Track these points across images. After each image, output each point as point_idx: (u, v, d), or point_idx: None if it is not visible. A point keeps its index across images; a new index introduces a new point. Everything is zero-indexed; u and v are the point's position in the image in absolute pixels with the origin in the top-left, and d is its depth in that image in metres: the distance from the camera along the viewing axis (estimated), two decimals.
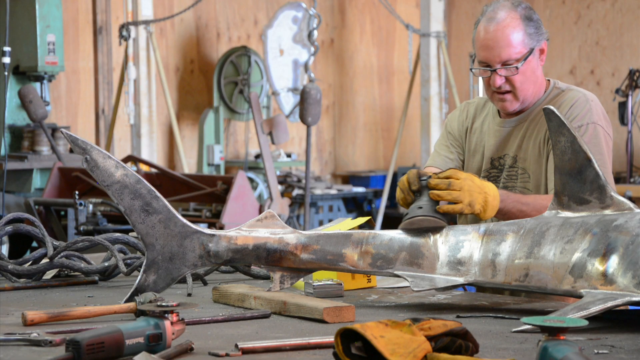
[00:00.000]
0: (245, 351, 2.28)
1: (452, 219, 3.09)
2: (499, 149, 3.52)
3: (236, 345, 2.29)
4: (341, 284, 3.09)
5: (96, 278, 3.37)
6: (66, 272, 3.40)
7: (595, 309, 2.54)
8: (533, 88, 3.48)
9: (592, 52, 12.15)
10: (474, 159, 3.60)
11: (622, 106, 10.25)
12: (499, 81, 3.42)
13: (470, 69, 3.59)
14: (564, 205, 2.85)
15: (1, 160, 8.08)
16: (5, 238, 3.55)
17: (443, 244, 2.92)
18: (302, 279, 3.05)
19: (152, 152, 10.31)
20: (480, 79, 3.51)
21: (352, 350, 2.08)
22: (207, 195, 7.79)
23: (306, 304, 2.73)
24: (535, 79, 3.49)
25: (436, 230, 2.96)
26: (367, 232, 2.98)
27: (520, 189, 3.42)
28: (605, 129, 3.42)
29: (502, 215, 3.14)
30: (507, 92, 3.44)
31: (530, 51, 3.44)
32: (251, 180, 10.58)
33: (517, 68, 3.39)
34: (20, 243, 6.79)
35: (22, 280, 3.31)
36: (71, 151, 8.57)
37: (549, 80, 3.58)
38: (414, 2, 13.05)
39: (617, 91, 10.22)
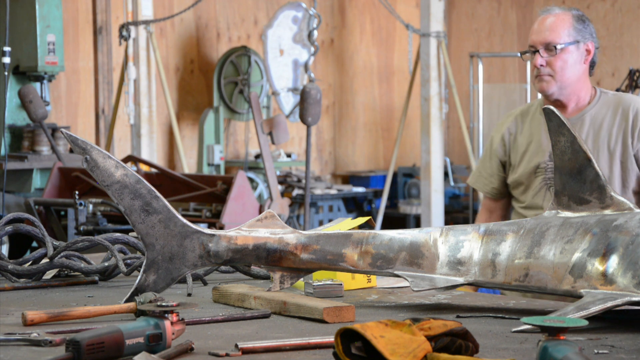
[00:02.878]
0: (245, 351, 2.28)
1: None
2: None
3: (236, 345, 2.29)
4: (341, 284, 3.09)
5: (96, 278, 3.37)
6: (66, 272, 3.39)
7: (595, 309, 2.54)
8: (573, 79, 3.80)
9: None
10: (526, 157, 3.85)
11: None
12: (539, 61, 3.73)
13: (521, 53, 3.91)
14: (564, 205, 2.86)
15: (1, 160, 8.08)
16: (5, 238, 3.55)
17: (443, 244, 2.92)
18: (302, 279, 3.05)
19: (152, 152, 10.31)
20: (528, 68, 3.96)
21: (352, 350, 2.08)
22: (207, 195, 7.79)
23: (306, 304, 2.73)
24: (576, 72, 3.81)
25: None
26: (367, 232, 2.98)
27: None
28: None
29: None
30: (547, 74, 3.74)
31: (574, 42, 3.76)
32: (251, 180, 10.58)
33: (556, 49, 3.70)
34: (20, 243, 6.79)
35: (22, 280, 3.31)
36: (71, 151, 8.57)
37: (594, 87, 3.94)
38: (414, 2, 13.05)
39: (617, 91, 10.22)
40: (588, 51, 3.85)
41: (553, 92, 3.77)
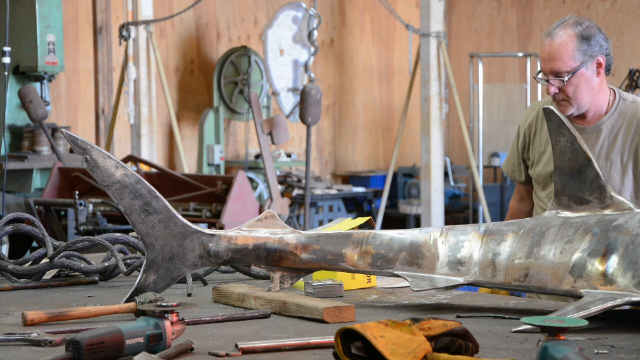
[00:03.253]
0: (245, 351, 2.28)
1: None
2: None
3: (236, 345, 2.30)
4: (341, 284, 3.09)
5: (96, 278, 3.37)
6: (66, 272, 3.39)
7: (595, 309, 2.54)
8: (589, 97, 3.82)
9: None
10: (544, 159, 3.95)
11: None
12: (552, 90, 3.79)
13: (534, 77, 3.96)
14: (564, 205, 2.86)
15: (1, 160, 8.08)
16: (5, 238, 3.55)
17: (443, 244, 2.92)
18: (302, 279, 3.05)
19: (152, 152, 10.31)
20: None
21: (352, 350, 2.08)
22: (207, 195, 7.79)
23: (306, 304, 2.73)
24: (591, 89, 3.83)
25: None
26: (367, 232, 2.98)
27: None
28: None
29: None
30: (563, 100, 3.80)
31: (582, 66, 3.79)
32: (251, 180, 10.58)
33: (564, 81, 3.75)
34: (20, 243, 6.79)
35: (22, 280, 3.31)
36: (71, 151, 8.57)
37: (613, 89, 3.92)
38: (414, 2, 13.05)
39: None
40: (599, 64, 3.85)
41: (572, 112, 3.83)
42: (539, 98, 12.23)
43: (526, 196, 4.19)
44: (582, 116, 3.89)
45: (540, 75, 3.88)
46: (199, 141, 11.03)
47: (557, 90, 3.79)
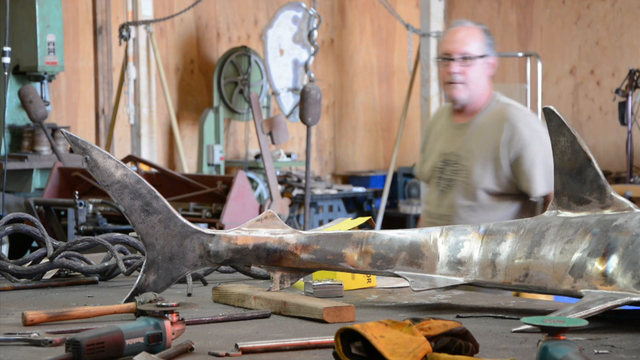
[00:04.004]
0: (245, 351, 2.28)
1: None
2: (448, 146, 4.22)
3: (236, 345, 2.30)
4: (341, 284, 3.09)
5: (96, 278, 3.37)
6: (66, 272, 3.39)
7: (595, 309, 2.54)
8: (481, 88, 4.20)
9: (592, 52, 12.15)
10: (432, 155, 4.27)
11: (622, 106, 10.25)
12: (456, 68, 4.11)
13: (437, 59, 4.37)
14: (564, 205, 2.86)
15: (1, 160, 8.08)
16: (5, 238, 3.55)
17: (443, 244, 2.92)
18: (302, 279, 3.05)
19: (152, 152, 10.31)
20: (440, 76, 4.43)
21: (352, 350, 2.08)
22: (207, 195, 7.79)
23: (306, 304, 2.73)
24: (483, 82, 4.20)
25: None
26: (367, 232, 2.98)
27: (461, 183, 4.15)
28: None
29: None
30: (461, 82, 4.13)
31: (484, 55, 4.17)
32: (251, 180, 10.58)
33: (471, 59, 4.09)
34: (20, 243, 6.79)
35: (22, 280, 3.31)
36: (71, 151, 8.57)
37: (493, 92, 4.28)
38: (414, 2, 13.05)
39: (617, 91, 10.22)
40: (492, 65, 4.22)
41: (464, 98, 4.15)
42: (539, 98, 12.24)
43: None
44: (462, 112, 4.21)
45: (439, 58, 4.20)
46: (199, 141, 11.03)
47: (459, 71, 4.09)
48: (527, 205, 4.24)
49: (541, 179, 4.23)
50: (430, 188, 4.34)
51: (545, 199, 4.27)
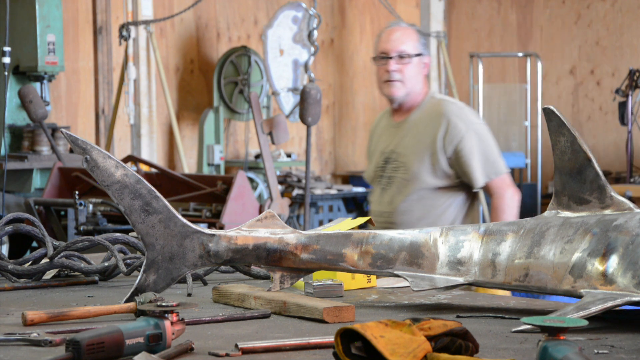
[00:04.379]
0: (245, 351, 2.28)
1: None
2: (388, 145, 4.38)
3: (236, 345, 2.30)
4: (341, 284, 3.09)
5: (96, 278, 3.37)
6: (66, 272, 3.39)
7: (595, 309, 2.54)
8: (417, 86, 4.35)
9: (592, 52, 12.15)
10: (374, 156, 4.42)
11: (622, 106, 10.26)
12: (393, 66, 4.27)
13: (374, 58, 4.40)
14: (564, 205, 2.86)
15: (1, 160, 8.08)
16: (5, 238, 3.55)
17: (443, 243, 2.92)
18: (302, 279, 3.05)
19: (152, 152, 10.31)
20: (376, 76, 4.44)
21: (352, 350, 2.08)
22: (207, 195, 7.79)
23: (306, 304, 2.73)
24: (419, 80, 4.35)
25: None
26: (367, 232, 2.98)
27: (400, 179, 4.31)
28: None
29: None
30: (398, 80, 4.27)
31: (420, 54, 4.32)
32: (251, 180, 10.58)
33: (408, 57, 4.25)
34: (20, 243, 6.79)
35: (22, 280, 3.31)
36: (71, 151, 8.57)
37: (428, 90, 4.46)
38: (414, 2, 13.05)
39: (617, 91, 10.23)
40: (427, 64, 4.38)
41: (401, 96, 4.31)
42: (539, 98, 12.23)
43: None
44: (399, 111, 4.38)
45: (377, 57, 4.33)
46: (199, 141, 11.03)
47: (396, 69, 4.25)
48: (468, 198, 4.37)
49: (480, 170, 4.35)
50: (374, 187, 4.48)
51: (488, 190, 4.39)
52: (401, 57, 4.28)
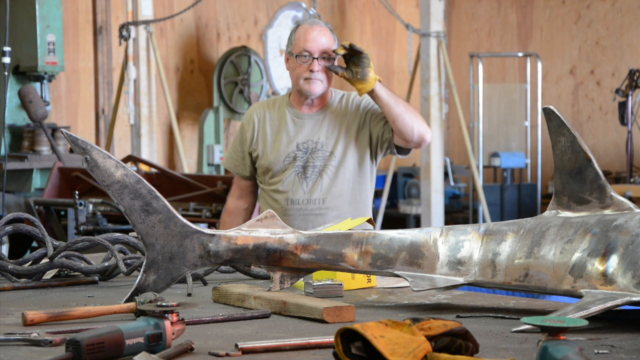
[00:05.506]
0: (245, 351, 2.28)
1: None
2: (303, 135, 4.57)
3: (236, 345, 2.30)
4: (341, 284, 3.09)
5: (96, 278, 3.37)
6: (66, 272, 3.40)
7: (595, 309, 2.54)
8: (330, 82, 4.59)
9: (592, 52, 12.15)
10: (277, 146, 4.58)
11: (622, 106, 10.26)
12: (318, 66, 4.47)
13: (296, 55, 4.56)
14: (564, 205, 2.86)
15: (1, 160, 8.08)
16: (5, 238, 3.55)
17: (443, 244, 2.92)
18: (302, 279, 3.05)
19: (152, 152, 10.31)
20: (291, 70, 4.63)
21: (352, 350, 2.08)
22: (207, 195, 7.79)
23: (306, 304, 2.73)
24: (332, 76, 4.57)
25: None
26: (367, 232, 2.98)
27: (331, 167, 4.54)
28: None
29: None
30: (319, 79, 4.51)
31: (337, 55, 4.50)
32: None
33: (334, 58, 4.48)
34: (20, 243, 6.79)
35: (22, 280, 3.31)
36: (71, 151, 8.57)
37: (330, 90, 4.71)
38: (414, 2, 13.05)
39: (617, 91, 10.23)
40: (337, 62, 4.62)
41: (319, 93, 4.53)
42: (539, 98, 12.23)
43: (245, 193, 4.85)
44: (310, 103, 4.58)
45: (299, 55, 4.50)
46: (199, 141, 11.03)
47: (319, 69, 4.48)
48: (374, 171, 4.72)
49: None
50: (285, 177, 4.61)
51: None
52: (324, 58, 4.51)
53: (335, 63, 4.55)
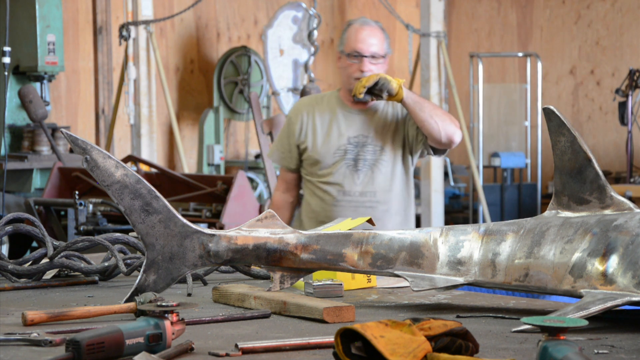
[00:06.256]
0: (245, 351, 2.28)
1: None
2: (354, 130, 4.69)
3: (236, 345, 2.30)
4: (341, 284, 3.09)
5: (96, 278, 3.37)
6: (66, 272, 3.39)
7: (595, 309, 2.54)
8: None
9: (592, 52, 12.15)
10: (328, 139, 4.68)
11: (622, 106, 10.26)
12: (368, 66, 4.57)
13: (342, 52, 4.68)
14: (564, 205, 2.86)
15: (1, 160, 8.08)
16: (5, 238, 3.55)
17: (443, 243, 2.92)
18: (302, 279, 3.05)
19: (152, 152, 10.31)
20: (342, 70, 4.75)
21: (352, 350, 2.08)
22: (207, 195, 7.79)
23: (306, 304, 2.73)
24: None
25: None
26: (367, 232, 2.98)
27: (376, 160, 4.67)
28: None
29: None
30: None
31: (388, 54, 4.66)
32: (251, 180, 10.58)
33: (382, 58, 4.60)
34: (20, 243, 6.79)
35: (22, 280, 3.31)
36: (71, 151, 8.57)
37: None
38: (414, 2, 13.05)
39: (617, 91, 10.23)
40: (387, 61, 4.74)
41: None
42: (539, 98, 12.24)
43: (291, 186, 4.92)
44: (358, 100, 4.66)
45: (349, 54, 4.60)
46: (199, 141, 11.03)
47: (369, 69, 4.57)
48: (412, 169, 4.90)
49: None
50: (336, 169, 4.73)
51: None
52: (374, 57, 4.61)
53: (381, 63, 4.65)
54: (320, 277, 3.17)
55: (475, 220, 11.82)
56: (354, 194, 4.70)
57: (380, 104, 4.77)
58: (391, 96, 4.50)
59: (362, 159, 4.69)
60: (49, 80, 8.77)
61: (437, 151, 4.72)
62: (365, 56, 4.60)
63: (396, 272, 2.92)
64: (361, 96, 4.50)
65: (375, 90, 4.51)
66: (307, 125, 4.77)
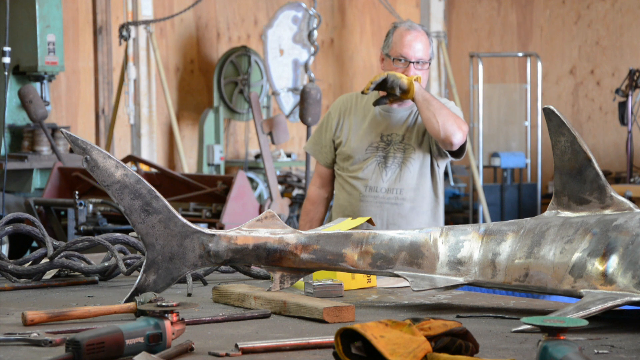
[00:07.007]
0: (245, 351, 2.28)
1: None
2: (388, 128, 4.73)
3: (236, 345, 2.30)
4: (341, 284, 3.09)
5: (96, 278, 3.37)
6: (66, 272, 3.40)
7: (595, 309, 2.54)
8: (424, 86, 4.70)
9: (592, 52, 12.15)
10: (363, 135, 4.75)
11: (622, 106, 10.26)
12: (414, 72, 4.60)
13: (388, 56, 4.76)
14: (564, 205, 2.86)
15: (1, 160, 8.08)
16: (5, 238, 3.55)
17: (443, 243, 2.92)
18: (302, 279, 3.05)
19: (152, 152, 10.31)
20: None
21: (352, 350, 2.08)
22: (207, 195, 7.79)
23: (306, 304, 2.73)
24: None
25: None
26: (367, 232, 2.98)
27: (405, 159, 4.70)
28: None
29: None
30: None
31: (431, 59, 4.71)
32: (251, 180, 10.58)
33: (426, 64, 4.65)
34: (20, 243, 6.79)
35: (22, 280, 3.31)
36: (71, 151, 8.57)
37: None
38: (414, 2, 13.05)
39: (617, 91, 10.23)
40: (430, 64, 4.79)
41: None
42: (539, 98, 12.24)
43: (326, 182, 4.94)
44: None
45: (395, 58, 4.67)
46: (199, 141, 11.03)
47: (414, 74, 4.59)
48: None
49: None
50: (366, 165, 4.77)
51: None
52: (418, 62, 4.63)
53: (425, 69, 4.69)
54: (320, 277, 3.17)
55: (475, 220, 11.82)
56: (380, 190, 4.73)
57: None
58: (404, 93, 4.52)
59: (392, 156, 4.73)
60: (49, 80, 8.77)
61: (451, 153, 4.74)
62: (412, 62, 4.64)
63: (396, 272, 2.92)
64: (368, 92, 4.53)
65: (387, 88, 4.52)
66: (343, 121, 4.83)
